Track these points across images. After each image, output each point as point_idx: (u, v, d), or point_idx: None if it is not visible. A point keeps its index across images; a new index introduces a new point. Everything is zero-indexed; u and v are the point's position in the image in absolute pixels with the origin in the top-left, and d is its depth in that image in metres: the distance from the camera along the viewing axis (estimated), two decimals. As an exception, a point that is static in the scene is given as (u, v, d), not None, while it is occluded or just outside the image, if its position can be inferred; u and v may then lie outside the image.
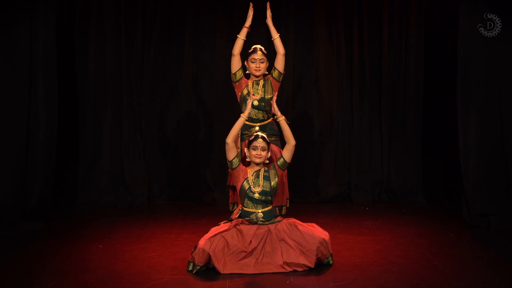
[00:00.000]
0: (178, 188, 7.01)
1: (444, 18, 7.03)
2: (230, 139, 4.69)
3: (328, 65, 7.02)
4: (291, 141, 4.71)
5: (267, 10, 5.15)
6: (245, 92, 5.07)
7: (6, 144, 5.54)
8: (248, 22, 5.12)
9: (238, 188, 4.73)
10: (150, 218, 6.20)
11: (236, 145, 5.13)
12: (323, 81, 7.01)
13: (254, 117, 5.07)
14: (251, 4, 5.16)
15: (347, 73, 7.08)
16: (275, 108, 4.85)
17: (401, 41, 7.03)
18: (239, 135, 5.11)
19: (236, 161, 4.70)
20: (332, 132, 7.09)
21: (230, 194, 5.26)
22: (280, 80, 5.13)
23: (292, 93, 7.01)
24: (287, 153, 4.72)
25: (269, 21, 5.13)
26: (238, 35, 5.11)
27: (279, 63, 5.09)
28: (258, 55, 5.06)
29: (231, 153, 4.69)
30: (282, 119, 4.80)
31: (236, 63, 5.09)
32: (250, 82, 5.12)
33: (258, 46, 5.10)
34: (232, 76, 5.12)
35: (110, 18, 6.83)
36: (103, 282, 4.21)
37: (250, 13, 5.13)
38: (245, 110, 4.87)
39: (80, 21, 6.84)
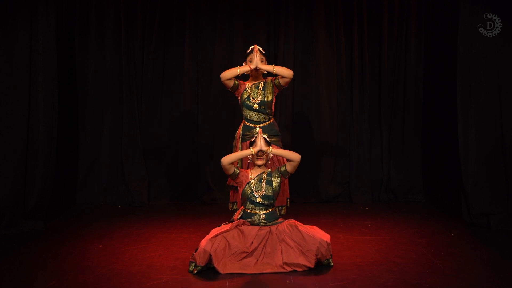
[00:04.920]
0: (178, 188, 7.01)
1: (444, 18, 7.03)
2: (226, 161, 4.56)
3: (328, 65, 7.02)
4: (294, 158, 4.60)
5: (255, 54, 4.95)
6: (244, 95, 5.04)
7: (6, 144, 5.54)
8: (253, 65, 4.95)
9: (240, 191, 4.71)
10: (150, 218, 6.20)
11: (237, 145, 5.14)
12: (323, 80, 7.01)
13: (255, 119, 5.05)
14: (256, 47, 4.99)
15: (347, 73, 7.08)
16: (262, 144, 4.60)
17: (401, 41, 7.03)
18: (240, 136, 5.10)
19: (236, 172, 4.63)
20: (332, 131, 7.08)
21: (230, 193, 5.25)
22: (280, 89, 5.10)
23: (292, 93, 7.01)
24: (291, 167, 4.65)
25: (259, 65, 4.94)
26: (238, 67, 4.96)
27: (285, 83, 5.01)
28: (257, 55, 4.97)
29: (229, 172, 4.62)
30: (270, 150, 4.62)
31: (227, 83, 4.99)
32: (248, 85, 5.07)
33: (256, 46, 5.01)
34: (230, 90, 5.06)
35: (110, 18, 6.84)
36: (103, 282, 4.21)
37: (254, 55, 4.97)
38: (254, 146, 4.63)
39: (80, 21, 6.85)
